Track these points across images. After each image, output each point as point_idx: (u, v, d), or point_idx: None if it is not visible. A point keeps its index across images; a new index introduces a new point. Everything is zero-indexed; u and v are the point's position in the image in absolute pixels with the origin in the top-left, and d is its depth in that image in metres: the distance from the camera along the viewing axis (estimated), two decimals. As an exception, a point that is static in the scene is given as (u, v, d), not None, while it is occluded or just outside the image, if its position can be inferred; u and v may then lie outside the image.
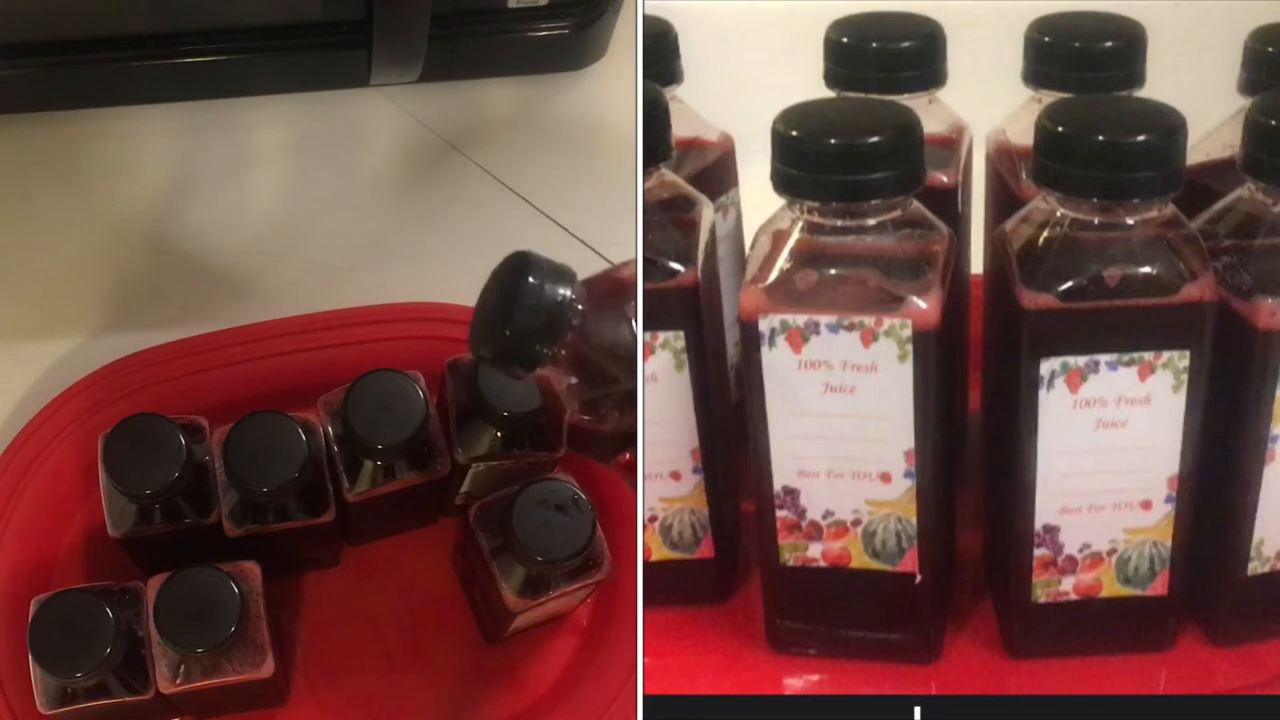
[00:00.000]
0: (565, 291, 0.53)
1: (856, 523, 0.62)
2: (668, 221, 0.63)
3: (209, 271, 0.84)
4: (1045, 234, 0.59)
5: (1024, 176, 0.66)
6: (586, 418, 0.54)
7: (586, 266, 0.54)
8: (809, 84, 0.70)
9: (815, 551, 0.63)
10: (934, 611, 0.65)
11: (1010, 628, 0.65)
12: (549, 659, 0.76)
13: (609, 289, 0.54)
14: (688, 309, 0.63)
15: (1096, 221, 0.58)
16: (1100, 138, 0.57)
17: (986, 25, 0.71)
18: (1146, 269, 0.58)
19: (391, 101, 0.90)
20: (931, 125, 0.63)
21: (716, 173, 0.72)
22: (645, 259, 0.59)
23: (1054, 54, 0.68)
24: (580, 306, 0.53)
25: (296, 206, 0.87)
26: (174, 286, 0.84)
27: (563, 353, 0.53)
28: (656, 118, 0.63)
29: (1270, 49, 0.67)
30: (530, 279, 0.52)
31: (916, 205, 0.60)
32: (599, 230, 0.85)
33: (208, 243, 0.85)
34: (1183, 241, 0.58)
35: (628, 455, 0.55)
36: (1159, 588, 0.63)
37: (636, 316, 0.55)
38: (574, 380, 0.53)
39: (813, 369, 0.60)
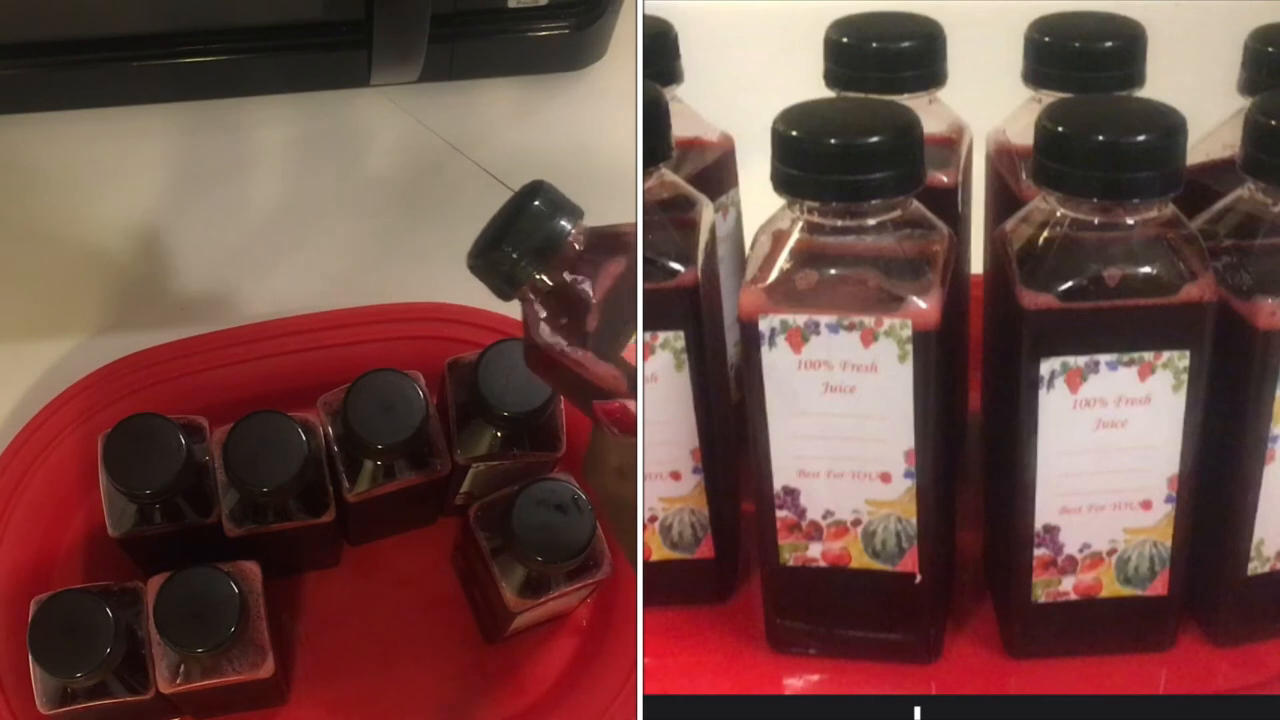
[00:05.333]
0: (566, 224, 0.54)
1: (856, 523, 0.62)
2: (668, 221, 0.63)
3: (209, 271, 0.84)
4: (1045, 234, 0.59)
5: (1024, 176, 0.66)
6: (548, 345, 0.55)
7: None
8: (809, 84, 0.70)
9: (815, 551, 0.63)
10: (934, 611, 0.65)
11: (1010, 628, 0.65)
12: (549, 659, 0.76)
13: (611, 243, 0.55)
14: (688, 309, 0.63)
15: (1096, 221, 0.58)
16: (1100, 138, 0.57)
17: (986, 25, 0.71)
18: (1146, 269, 0.58)
19: (391, 101, 0.90)
20: (931, 125, 0.63)
21: (716, 173, 0.72)
22: (645, 259, 0.59)
23: (1054, 54, 0.68)
24: (578, 246, 0.54)
25: (296, 206, 0.87)
26: (174, 286, 0.84)
27: (548, 281, 0.54)
28: (656, 118, 0.63)
29: (1270, 49, 0.67)
30: (536, 203, 0.54)
31: (916, 205, 0.60)
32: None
33: (208, 243, 0.85)
34: (1183, 241, 0.58)
35: (609, 405, 0.55)
36: (1159, 588, 0.63)
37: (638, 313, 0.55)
38: (546, 312, 0.55)
39: (813, 369, 0.60)
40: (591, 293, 0.55)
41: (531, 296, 0.55)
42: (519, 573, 0.70)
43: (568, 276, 0.54)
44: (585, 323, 0.54)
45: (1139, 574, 0.63)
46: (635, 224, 0.57)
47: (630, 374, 0.55)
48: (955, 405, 0.70)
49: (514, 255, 0.54)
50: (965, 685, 0.64)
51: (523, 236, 0.54)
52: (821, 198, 0.58)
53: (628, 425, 0.55)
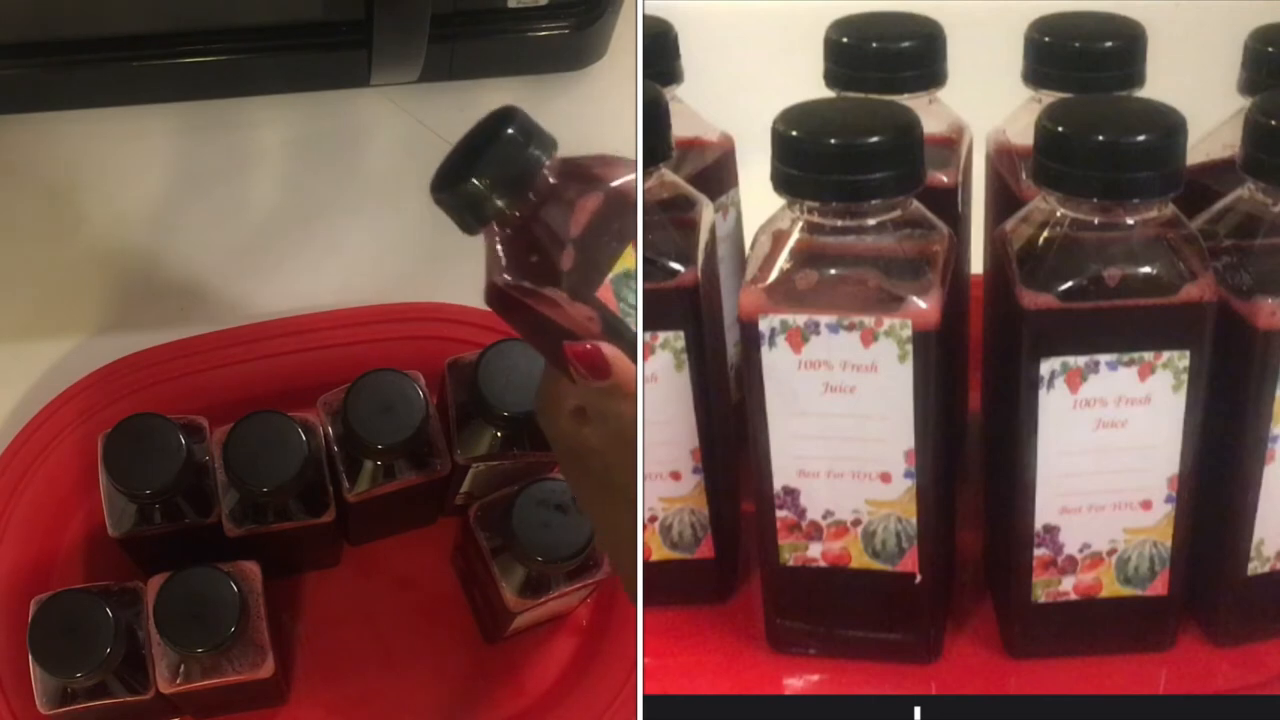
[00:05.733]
0: (540, 154, 0.52)
1: (856, 523, 0.62)
2: (668, 221, 0.63)
3: (209, 271, 0.84)
4: (1045, 234, 0.59)
5: (1024, 176, 0.66)
6: (515, 285, 0.52)
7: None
8: (809, 84, 0.70)
9: (815, 551, 0.63)
10: (934, 611, 0.65)
11: (1010, 628, 0.65)
12: (549, 659, 0.76)
13: (587, 175, 0.53)
14: (688, 309, 0.63)
15: (1096, 221, 0.58)
16: (1100, 138, 0.57)
17: (986, 25, 0.71)
18: (1146, 269, 0.58)
19: (391, 101, 0.90)
20: (931, 125, 0.63)
21: (716, 173, 0.73)
22: (645, 259, 0.59)
23: (1054, 54, 0.68)
24: (551, 179, 0.52)
25: (296, 206, 0.87)
26: (174, 286, 0.84)
27: (517, 215, 0.51)
28: (656, 118, 0.63)
29: (1270, 49, 0.67)
30: (510, 131, 0.51)
31: (916, 205, 0.60)
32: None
33: (208, 243, 0.85)
34: (1183, 241, 0.58)
35: (580, 347, 0.53)
36: (1159, 588, 0.63)
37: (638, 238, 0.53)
38: (516, 248, 0.52)
39: (813, 369, 0.60)
40: (567, 229, 0.52)
41: (500, 231, 0.52)
42: (519, 573, 0.70)
43: (541, 211, 0.51)
44: (559, 261, 0.52)
45: (1139, 574, 0.63)
46: (610, 157, 0.55)
47: (605, 315, 0.52)
48: (955, 405, 0.70)
49: (484, 187, 0.51)
50: (965, 685, 0.64)
51: (493, 166, 0.51)
52: (821, 198, 0.58)
53: (600, 368, 0.53)
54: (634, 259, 0.54)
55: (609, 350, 0.53)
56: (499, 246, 0.52)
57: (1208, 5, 0.79)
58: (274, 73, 0.86)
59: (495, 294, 0.53)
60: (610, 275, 0.52)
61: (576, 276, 0.52)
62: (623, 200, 0.53)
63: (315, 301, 0.82)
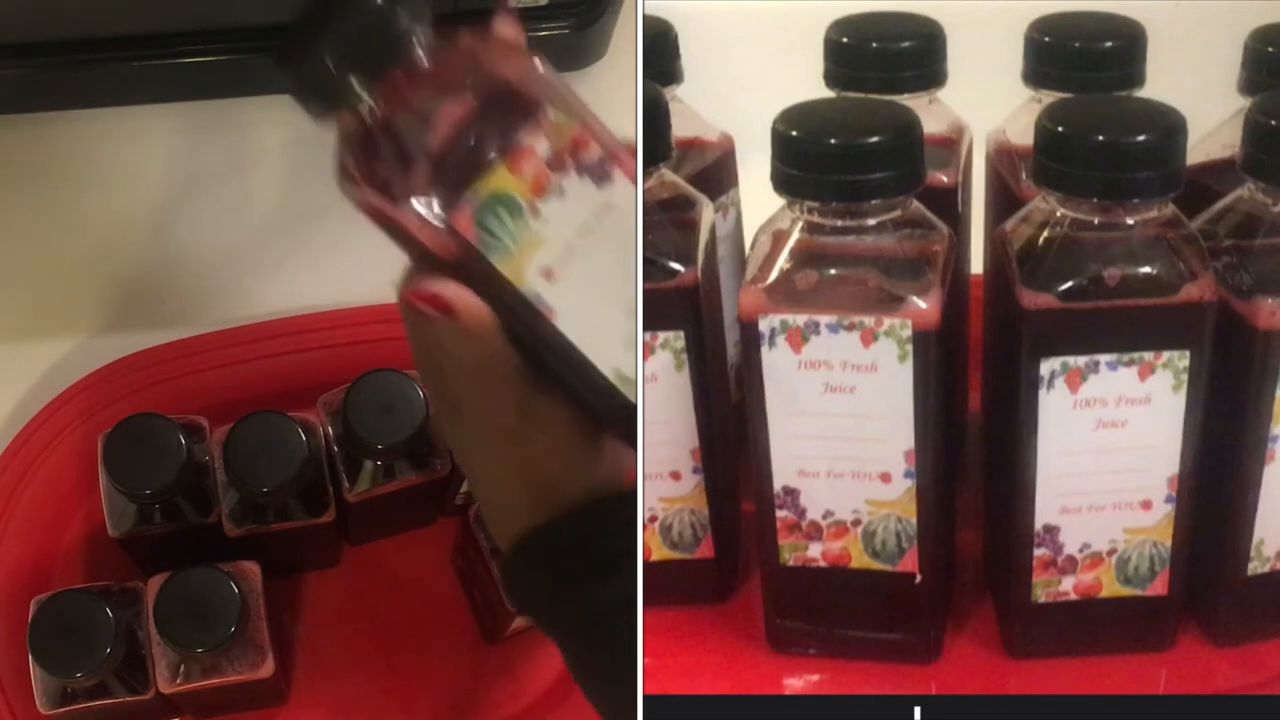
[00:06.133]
0: (410, 19, 0.42)
1: (856, 523, 0.62)
2: (668, 221, 0.63)
3: (209, 271, 0.84)
4: (1045, 234, 0.59)
5: (1024, 176, 0.66)
6: (375, 191, 0.44)
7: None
8: (809, 84, 0.70)
9: (815, 551, 0.63)
10: (934, 611, 0.65)
11: (1010, 628, 0.65)
12: (549, 659, 0.76)
13: (462, 66, 0.43)
14: (688, 309, 0.63)
15: (1096, 221, 0.58)
16: (1100, 138, 0.57)
17: (986, 25, 0.71)
18: (1146, 269, 0.58)
19: (391, 101, 0.90)
20: (931, 125, 0.63)
21: (716, 173, 0.73)
22: (645, 259, 0.59)
23: (1054, 54, 0.68)
24: (425, 63, 0.42)
25: (296, 206, 0.87)
26: (174, 286, 0.84)
27: (381, 100, 0.42)
28: (656, 118, 0.63)
29: (1270, 49, 0.67)
30: None
31: (916, 205, 0.60)
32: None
33: (208, 243, 0.85)
34: (1183, 241, 0.58)
35: (422, 291, 0.44)
36: (1159, 588, 0.63)
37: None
38: (359, 147, 0.43)
39: (813, 369, 0.60)
40: (425, 137, 0.42)
41: (349, 123, 0.42)
42: (519, 573, 0.70)
43: (399, 108, 0.41)
44: (410, 178, 0.43)
45: (1139, 574, 0.63)
46: (510, 43, 0.47)
47: (461, 245, 0.43)
48: (955, 405, 0.70)
49: (334, 63, 0.42)
50: (965, 685, 0.64)
51: (349, 41, 0.41)
52: (821, 198, 0.58)
53: (444, 312, 0.45)
54: (510, 181, 0.43)
55: (451, 292, 0.45)
56: (346, 141, 0.43)
57: (1208, 5, 0.79)
58: (274, 73, 0.86)
59: (347, 185, 0.44)
60: (476, 200, 0.42)
61: (431, 197, 0.43)
62: (508, 102, 0.43)
63: (315, 301, 0.82)
